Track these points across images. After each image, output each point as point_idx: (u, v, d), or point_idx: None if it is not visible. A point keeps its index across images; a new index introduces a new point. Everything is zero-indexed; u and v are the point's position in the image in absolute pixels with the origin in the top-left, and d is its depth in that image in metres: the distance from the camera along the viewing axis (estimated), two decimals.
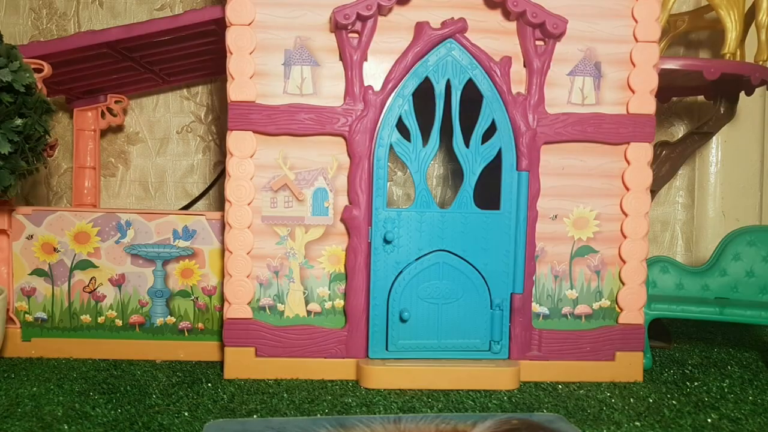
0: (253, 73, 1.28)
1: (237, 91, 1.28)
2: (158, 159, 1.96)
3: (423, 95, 1.30)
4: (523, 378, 1.31)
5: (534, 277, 1.34)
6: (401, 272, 1.31)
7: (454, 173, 1.99)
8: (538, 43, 1.31)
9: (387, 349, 1.31)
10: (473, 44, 1.30)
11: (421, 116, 1.85)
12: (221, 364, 1.35)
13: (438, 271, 1.32)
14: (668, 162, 1.68)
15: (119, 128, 1.94)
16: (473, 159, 1.32)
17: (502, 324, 1.32)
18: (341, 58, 1.30)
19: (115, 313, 1.41)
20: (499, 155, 1.32)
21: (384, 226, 1.30)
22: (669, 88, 1.71)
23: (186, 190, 1.97)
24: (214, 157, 1.96)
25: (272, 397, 1.20)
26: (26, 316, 1.41)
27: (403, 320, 1.30)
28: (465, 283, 1.32)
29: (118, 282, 1.41)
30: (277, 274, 1.32)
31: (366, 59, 1.30)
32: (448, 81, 1.31)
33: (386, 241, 1.30)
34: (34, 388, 1.21)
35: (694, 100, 2.00)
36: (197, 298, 1.42)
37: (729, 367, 1.45)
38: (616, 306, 1.36)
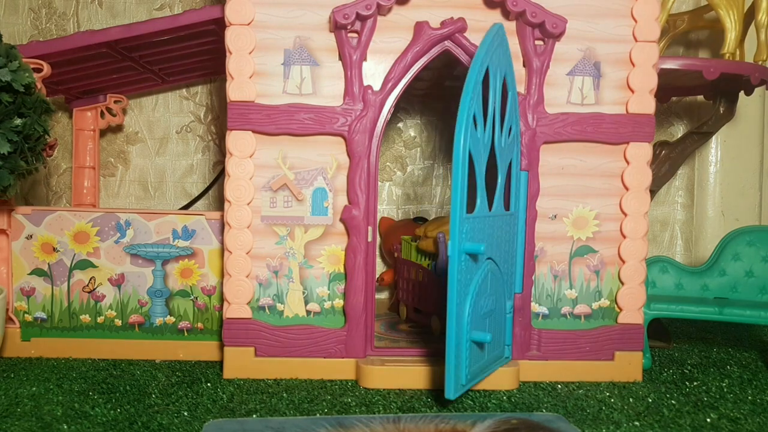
0: (252, 72, 1.28)
1: (236, 90, 1.28)
2: (158, 159, 1.96)
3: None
4: (522, 378, 1.31)
5: (533, 277, 1.34)
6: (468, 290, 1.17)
7: None
8: (537, 42, 1.31)
9: (463, 383, 1.16)
10: (473, 44, 1.30)
11: (418, 113, 1.85)
12: (221, 363, 1.35)
13: (487, 282, 1.21)
14: (668, 162, 1.68)
15: (119, 128, 1.94)
16: (506, 156, 1.25)
17: (512, 326, 1.32)
18: (340, 58, 1.30)
19: (115, 313, 1.41)
20: None
21: (467, 235, 1.11)
22: (668, 87, 1.71)
23: (185, 189, 1.97)
24: (213, 156, 1.96)
25: (271, 396, 1.20)
26: (26, 315, 1.41)
27: (481, 345, 1.19)
28: (498, 290, 1.25)
29: (117, 282, 1.41)
30: (276, 274, 1.32)
31: (365, 59, 1.29)
32: (487, 70, 1.18)
33: (474, 257, 1.12)
34: (34, 388, 1.21)
35: (694, 100, 2.00)
36: (197, 298, 1.42)
37: (728, 367, 1.45)
38: (616, 306, 1.36)
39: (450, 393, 1.13)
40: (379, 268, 1.92)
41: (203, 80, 1.95)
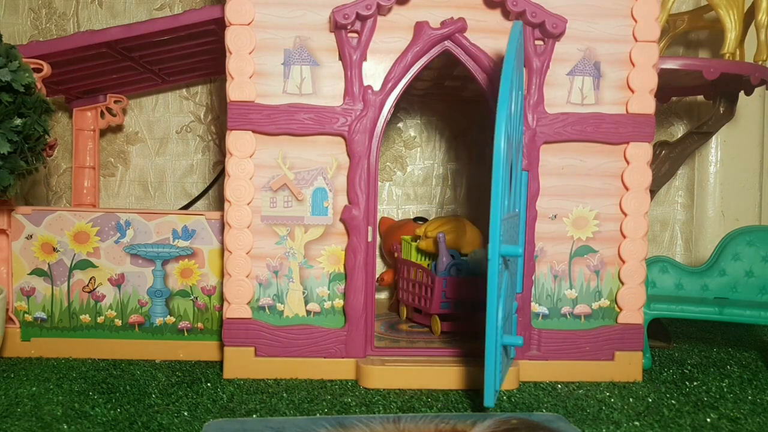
0: (252, 72, 1.28)
1: (236, 90, 1.28)
2: (158, 159, 1.96)
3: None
4: (522, 378, 1.31)
5: (533, 277, 1.34)
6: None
7: (454, 173, 1.99)
8: (537, 42, 1.31)
9: (497, 389, 1.14)
10: (473, 44, 1.30)
11: (418, 113, 1.84)
12: (221, 363, 1.35)
13: (506, 283, 1.20)
14: (668, 162, 1.68)
15: (119, 128, 1.94)
16: (518, 154, 1.23)
17: (516, 326, 1.32)
18: (341, 58, 1.29)
19: (115, 313, 1.41)
20: None
21: (502, 236, 1.08)
22: (668, 87, 1.71)
23: (185, 189, 1.97)
24: (213, 156, 1.96)
25: (272, 396, 1.20)
26: (26, 315, 1.41)
27: (506, 348, 1.16)
28: (510, 291, 1.24)
29: (117, 282, 1.41)
30: (276, 274, 1.32)
31: (365, 59, 1.29)
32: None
33: (504, 260, 1.08)
34: (34, 388, 1.21)
35: (694, 100, 2.00)
36: (197, 298, 1.42)
37: (728, 367, 1.45)
38: (616, 306, 1.36)
39: (490, 401, 1.11)
40: (379, 268, 1.92)
41: (203, 80, 1.95)
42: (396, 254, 1.75)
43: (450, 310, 1.51)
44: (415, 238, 1.68)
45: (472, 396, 1.23)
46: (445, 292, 1.50)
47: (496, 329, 1.10)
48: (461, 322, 1.51)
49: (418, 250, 1.66)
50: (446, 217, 1.68)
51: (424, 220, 1.83)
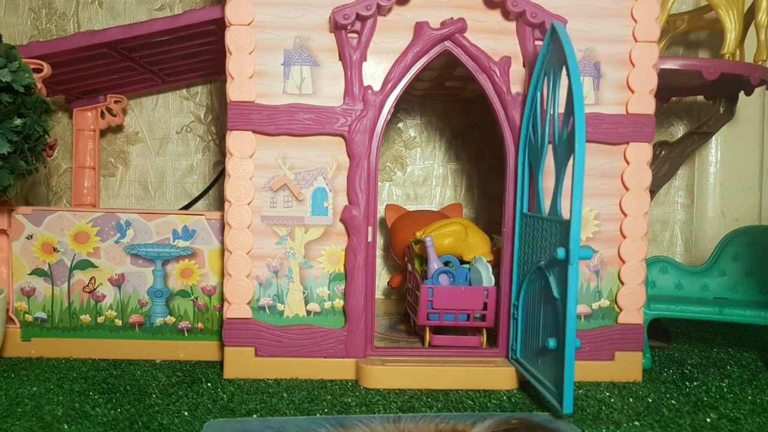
0: (252, 73, 1.29)
1: (236, 91, 1.29)
2: (158, 159, 1.96)
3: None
4: (522, 378, 1.31)
5: None
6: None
7: (454, 173, 1.99)
8: (537, 43, 1.31)
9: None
10: (473, 44, 1.30)
11: (418, 114, 1.85)
12: (221, 363, 1.35)
13: (530, 290, 1.20)
14: (668, 162, 1.68)
15: (119, 128, 1.94)
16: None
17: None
18: (341, 58, 1.30)
19: (115, 313, 1.41)
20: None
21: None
22: (668, 88, 1.72)
23: (186, 190, 1.97)
24: (213, 157, 1.96)
25: (272, 396, 1.20)
26: (26, 316, 1.41)
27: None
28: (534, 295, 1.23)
29: (117, 282, 1.41)
30: (276, 274, 1.32)
31: (365, 59, 1.30)
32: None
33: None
34: (34, 388, 1.21)
35: (694, 100, 2.00)
36: (197, 298, 1.42)
37: (728, 367, 1.45)
38: (616, 306, 1.36)
39: (569, 406, 1.08)
40: (379, 268, 1.92)
41: (203, 80, 1.95)
42: (406, 258, 1.63)
43: (438, 322, 1.37)
44: (417, 240, 1.55)
45: (472, 396, 1.23)
46: (431, 302, 1.35)
47: (575, 334, 1.08)
48: (456, 337, 1.39)
49: (416, 254, 1.59)
50: (450, 220, 1.53)
51: None
